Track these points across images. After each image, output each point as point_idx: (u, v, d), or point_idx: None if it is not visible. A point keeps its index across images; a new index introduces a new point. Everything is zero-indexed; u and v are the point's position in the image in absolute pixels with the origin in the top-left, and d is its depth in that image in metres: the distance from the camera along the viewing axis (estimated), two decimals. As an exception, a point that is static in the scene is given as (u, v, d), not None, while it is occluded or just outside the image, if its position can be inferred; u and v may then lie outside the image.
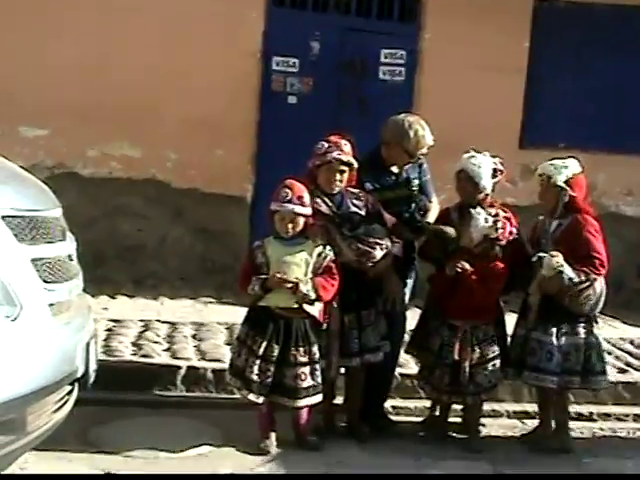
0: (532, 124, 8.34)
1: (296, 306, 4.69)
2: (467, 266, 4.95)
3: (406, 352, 5.44)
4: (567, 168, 5.08)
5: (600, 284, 5.03)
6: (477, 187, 5.07)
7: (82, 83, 7.60)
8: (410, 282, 5.31)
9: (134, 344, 6.04)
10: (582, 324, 5.04)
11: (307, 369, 4.70)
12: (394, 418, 5.46)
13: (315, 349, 4.74)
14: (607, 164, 7.98)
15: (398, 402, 5.60)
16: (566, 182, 5.05)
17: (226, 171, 7.88)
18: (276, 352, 4.66)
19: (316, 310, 4.71)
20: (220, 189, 7.92)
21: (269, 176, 8.03)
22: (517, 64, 8.19)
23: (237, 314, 6.95)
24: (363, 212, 4.89)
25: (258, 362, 4.65)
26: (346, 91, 8.14)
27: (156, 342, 6.12)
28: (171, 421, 5.18)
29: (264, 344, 4.67)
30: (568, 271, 4.88)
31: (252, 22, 7.90)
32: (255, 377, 4.65)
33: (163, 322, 6.67)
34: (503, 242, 5.02)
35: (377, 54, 8.15)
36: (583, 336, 5.03)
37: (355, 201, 4.91)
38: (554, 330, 5.00)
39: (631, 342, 7.09)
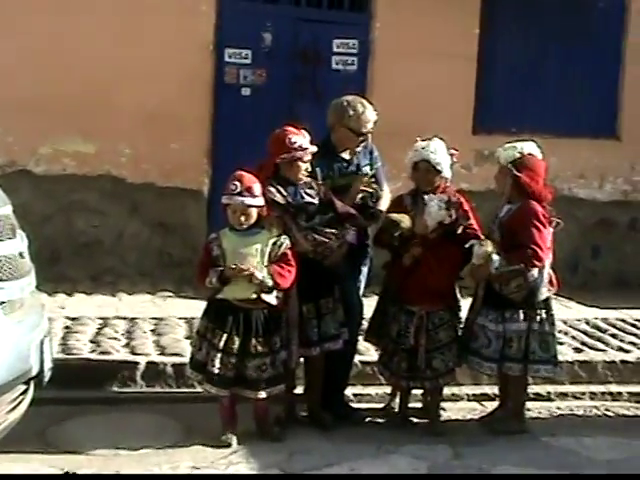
0: (484, 110, 8.41)
1: (254, 297, 4.69)
2: (418, 249, 4.97)
3: (365, 340, 5.47)
4: (515, 149, 5.09)
5: (535, 274, 5.01)
6: (438, 175, 5.12)
7: (32, 78, 7.50)
8: (365, 269, 5.34)
9: (92, 341, 5.99)
10: (524, 311, 5.04)
11: (268, 359, 4.71)
12: (355, 405, 5.49)
13: (275, 339, 4.75)
14: (559, 148, 8.06)
15: (359, 389, 5.63)
16: (513, 163, 5.06)
17: (182, 164, 7.84)
18: (237, 344, 4.66)
19: (274, 298, 4.73)
20: (176, 183, 7.88)
21: (225, 168, 7.96)
22: (468, 51, 8.26)
23: (196, 308, 6.93)
24: (316, 201, 4.90)
25: (219, 355, 4.65)
26: (300, 81, 8.15)
27: (115, 338, 6.08)
28: (131, 417, 5.15)
29: (224, 337, 4.67)
30: (496, 259, 4.91)
31: (204, 14, 7.85)
32: (217, 370, 4.65)
33: (121, 318, 6.63)
34: (457, 228, 5.07)
35: (329, 44, 8.16)
36: (525, 323, 5.04)
37: (308, 190, 4.93)
38: (495, 316, 5.05)
39: (587, 322, 7.20)
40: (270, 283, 4.67)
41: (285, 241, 4.76)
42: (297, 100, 8.09)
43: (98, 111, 7.63)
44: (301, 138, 4.86)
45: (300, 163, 4.87)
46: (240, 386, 4.71)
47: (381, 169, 5.36)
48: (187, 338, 6.18)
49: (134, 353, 5.77)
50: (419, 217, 5.02)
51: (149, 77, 7.67)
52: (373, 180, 5.18)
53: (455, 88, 8.15)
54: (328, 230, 4.87)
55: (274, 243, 4.74)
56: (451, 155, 5.18)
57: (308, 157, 4.88)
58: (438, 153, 5.11)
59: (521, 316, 5.04)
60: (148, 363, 5.62)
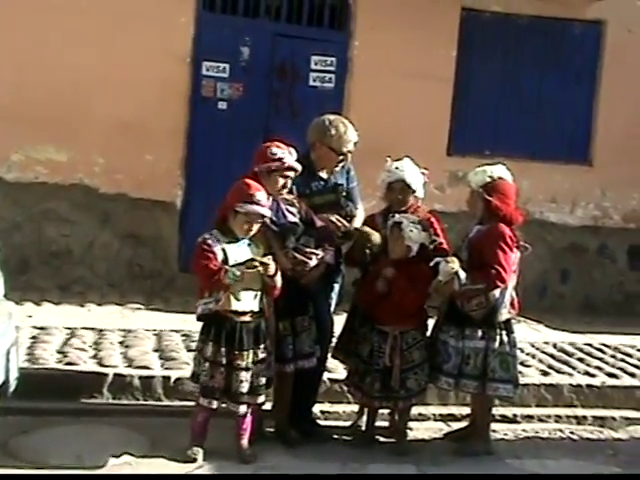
0: (459, 132, 8.50)
1: (258, 309, 4.69)
2: (391, 271, 4.99)
3: (333, 357, 5.47)
4: (485, 173, 5.14)
5: (496, 295, 5.04)
6: (413, 194, 5.18)
7: (5, 85, 7.47)
8: (337, 287, 5.35)
9: (59, 352, 5.93)
10: (483, 330, 5.08)
11: (249, 373, 4.68)
12: (322, 423, 5.48)
13: (258, 352, 4.73)
14: (531, 171, 8.17)
15: (326, 407, 5.62)
16: (485, 187, 5.11)
17: (155, 176, 7.82)
18: (224, 356, 4.64)
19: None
20: (149, 194, 7.85)
21: (199, 181, 8.05)
22: (445, 73, 8.34)
23: (166, 320, 6.95)
24: (297, 219, 4.90)
25: (207, 365, 4.65)
26: (276, 97, 8.17)
27: (82, 349, 6.02)
28: (96, 429, 5.10)
29: (213, 348, 4.65)
30: (462, 277, 4.95)
31: (182, 26, 7.87)
32: (207, 381, 4.64)
33: (89, 329, 6.57)
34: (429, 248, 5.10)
35: (307, 60, 8.20)
36: (483, 342, 5.07)
37: (290, 208, 4.93)
38: (456, 332, 5.09)
39: (554, 345, 7.25)
40: (279, 284, 4.68)
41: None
42: (273, 115, 8.13)
43: (72, 120, 7.61)
44: (284, 152, 4.84)
45: (278, 177, 4.84)
46: (225, 399, 4.68)
47: (356, 188, 5.39)
48: (155, 351, 6.15)
49: (101, 365, 5.72)
50: (396, 242, 5.04)
51: (125, 87, 7.65)
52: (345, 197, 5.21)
53: (431, 109, 8.22)
54: (309, 250, 4.87)
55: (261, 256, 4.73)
56: (422, 174, 5.23)
57: (289, 173, 4.86)
58: (412, 173, 5.16)
59: (479, 334, 5.08)
60: (115, 375, 5.57)
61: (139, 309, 7.39)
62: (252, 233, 4.70)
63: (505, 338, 5.13)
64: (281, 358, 4.89)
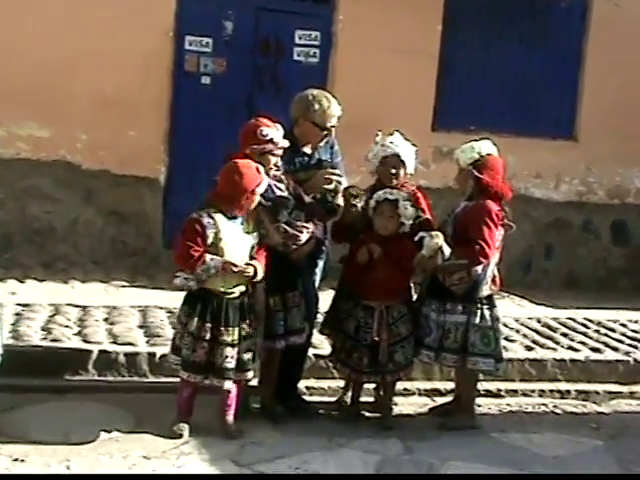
0: (444, 107, 8.46)
1: (244, 289, 4.69)
2: (378, 249, 4.99)
3: (320, 333, 5.48)
4: (473, 150, 5.13)
5: (478, 270, 5.05)
6: (405, 170, 5.17)
7: (-14, 61, 7.38)
8: (321, 263, 5.34)
9: (43, 328, 5.91)
10: (465, 304, 5.09)
11: (235, 349, 4.67)
12: (308, 398, 5.49)
13: (243, 328, 4.72)
14: (516, 147, 8.15)
15: (312, 382, 5.63)
16: (473, 164, 5.10)
17: (138, 152, 7.76)
18: (208, 331, 4.63)
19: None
20: (132, 171, 7.80)
21: (183, 157, 8.00)
22: (430, 47, 8.30)
23: (150, 297, 6.94)
24: (286, 194, 4.88)
25: (191, 340, 4.63)
26: (260, 72, 8.11)
27: (66, 326, 6.00)
28: (82, 406, 5.09)
29: (196, 323, 4.63)
30: (446, 252, 4.96)
31: (165, 0, 7.77)
32: (189, 355, 4.63)
33: (74, 306, 6.54)
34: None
35: (292, 35, 8.14)
36: (464, 316, 5.09)
37: (278, 184, 4.90)
38: (437, 306, 5.11)
39: (538, 320, 7.29)
40: (260, 278, 4.67)
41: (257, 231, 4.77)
42: (257, 91, 8.07)
43: (54, 95, 7.53)
44: (274, 131, 4.82)
45: (270, 156, 4.83)
46: (209, 374, 4.67)
47: (341, 163, 5.35)
48: (140, 327, 6.14)
49: (86, 341, 5.70)
50: (389, 219, 5.02)
51: (107, 62, 7.57)
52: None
53: (416, 84, 8.18)
54: (300, 224, 4.86)
55: (252, 233, 4.73)
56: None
57: (279, 151, 4.85)
58: (406, 148, 5.15)
59: (460, 309, 5.09)
60: (100, 352, 5.56)
61: (123, 286, 7.36)
62: (251, 207, 4.68)
63: (487, 312, 5.15)
64: (271, 334, 4.89)
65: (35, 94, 7.47)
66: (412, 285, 5.26)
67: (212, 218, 4.63)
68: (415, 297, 5.28)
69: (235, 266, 4.61)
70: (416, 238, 4.99)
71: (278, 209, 4.83)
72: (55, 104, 7.55)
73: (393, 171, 5.16)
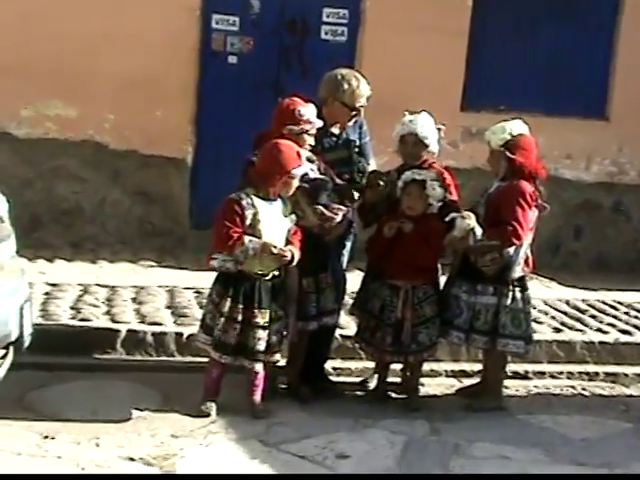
0: (473, 86, 8.36)
1: (277, 272, 4.69)
2: (410, 224, 4.96)
3: (350, 313, 5.47)
4: (504, 130, 5.07)
5: (511, 252, 5.00)
6: (425, 149, 5.12)
7: (15, 41, 7.40)
8: (349, 244, 5.32)
9: (72, 308, 5.95)
10: (495, 286, 5.05)
11: (266, 332, 4.68)
12: (334, 379, 5.49)
13: (275, 311, 4.72)
14: (546, 127, 8.02)
15: (338, 363, 5.63)
16: (505, 145, 5.05)
17: (165, 132, 7.76)
18: (240, 312, 4.63)
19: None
20: (159, 151, 7.81)
21: (210, 137, 7.99)
22: (459, 26, 8.19)
23: (178, 278, 6.97)
24: (317, 175, 4.86)
25: (223, 321, 4.64)
26: (287, 51, 8.07)
27: (95, 306, 6.04)
28: (110, 385, 5.13)
29: (229, 303, 4.64)
30: (478, 233, 4.92)
31: (191, -22, 7.75)
32: (220, 335, 4.64)
33: (102, 286, 6.59)
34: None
35: (319, 13, 8.07)
36: (495, 297, 5.05)
37: (311, 165, 4.88)
38: (467, 288, 5.07)
39: (567, 302, 7.23)
40: (296, 260, 4.66)
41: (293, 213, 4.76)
42: (284, 70, 8.03)
43: (82, 75, 7.55)
44: (309, 110, 4.80)
45: (306, 136, 4.81)
46: (239, 355, 4.68)
47: (369, 143, 5.33)
48: (168, 307, 6.17)
49: (114, 321, 5.74)
50: (417, 200, 4.99)
51: (134, 41, 7.56)
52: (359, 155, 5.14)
53: (445, 63, 8.08)
54: (335, 206, 4.84)
55: (289, 215, 4.73)
56: (438, 130, 5.17)
57: (314, 131, 4.83)
58: (426, 126, 5.10)
59: (491, 290, 5.05)
60: (128, 331, 5.59)
61: (151, 266, 7.39)
62: (290, 192, 4.67)
63: (518, 295, 5.11)
64: (304, 316, 4.89)
65: (62, 74, 7.49)
66: (440, 266, 5.22)
67: (250, 199, 4.62)
68: (444, 278, 5.24)
69: (274, 248, 4.59)
70: (447, 218, 4.95)
71: (319, 191, 4.82)
72: (82, 84, 7.56)
73: (412, 150, 5.11)
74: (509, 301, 5.07)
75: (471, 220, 4.90)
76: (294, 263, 4.68)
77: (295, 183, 4.67)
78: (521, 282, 5.14)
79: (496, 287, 5.06)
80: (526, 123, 5.18)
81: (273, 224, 4.66)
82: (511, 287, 5.08)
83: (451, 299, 5.12)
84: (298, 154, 4.62)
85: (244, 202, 4.60)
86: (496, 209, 5.01)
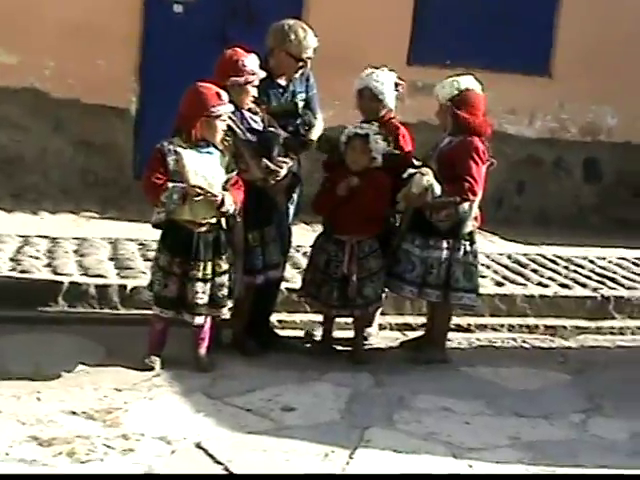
0: (420, 41, 8.33)
1: (215, 220, 4.63)
2: (355, 179, 4.96)
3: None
4: (452, 86, 5.09)
5: (465, 207, 5.06)
6: (381, 104, 5.13)
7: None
8: (295, 197, 5.30)
9: (12, 259, 5.85)
10: (448, 240, 5.11)
11: (209, 285, 4.65)
12: (280, 332, 5.51)
13: (218, 264, 4.69)
14: (492, 82, 7.87)
15: (283, 316, 5.65)
16: (452, 100, 5.07)
17: (108, 81, 7.59)
18: (178, 266, 4.60)
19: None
20: (102, 100, 7.64)
21: (154, 87, 7.84)
22: (407, -21, 8.14)
23: (121, 229, 6.88)
24: (260, 127, 4.81)
25: (161, 275, 4.62)
26: (234, 1, 7.92)
27: (36, 257, 5.94)
28: (52, 338, 5.07)
29: (167, 258, 4.61)
30: (436, 189, 4.95)
31: None
32: (160, 290, 4.62)
33: (43, 237, 6.47)
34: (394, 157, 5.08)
35: (266, -38, 7.92)
36: (447, 252, 5.11)
37: (254, 116, 4.85)
38: (420, 242, 5.12)
39: (508, 257, 7.34)
40: (232, 210, 4.60)
41: (234, 166, 4.69)
42: (230, 20, 7.89)
43: (22, 21, 7.34)
44: (252, 61, 4.76)
45: (250, 88, 4.76)
46: (181, 309, 4.66)
47: (315, 96, 5.28)
48: (111, 259, 6.09)
49: (56, 273, 5.66)
50: (361, 154, 4.99)
51: (77, -13, 7.35)
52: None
53: (391, 18, 8.03)
54: (280, 159, 4.81)
55: (227, 167, 4.66)
56: (396, 85, 5.19)
57: (257, 82, 4.78)
58: (381, 82, 5.11)
59: (444, 244, 5.10)
60: (71, 283, 5.52)
61: (94, 217, 7.29)
62: (218, 138, 4.60)
63: (468, 248, 5.18)
64: (251, 269, 4.88)
65: (2, 20, 7.25)
66: (390, 217, 5.23)
67: (173, 145, 4.56)
68: (395, 229, 5.25)
69: (200, 189, 4.51)
70: (405, 175, 4.97)
71: (271, 143, 4.77)
72: (23, 30, 7.34)
73: (367, 105, 5.11)
74: (461, 255, 5.13)
75: (429, 177, 4.93)
76: (230, 210, 4.61)
77: (219, 125, 4.58)
78: (470, 236, 5.21)
79: (449, 241, 5.10)
80: (478, 80, 5.19)
81: (204, 172, 4.57)
82: (462, 241, 5.14)
83: (402, 253, 5.15)
84: (218, 94, 4.56)
85: (165, 149, 4.56)
86: (450, 165, 5.04)
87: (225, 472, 3.75)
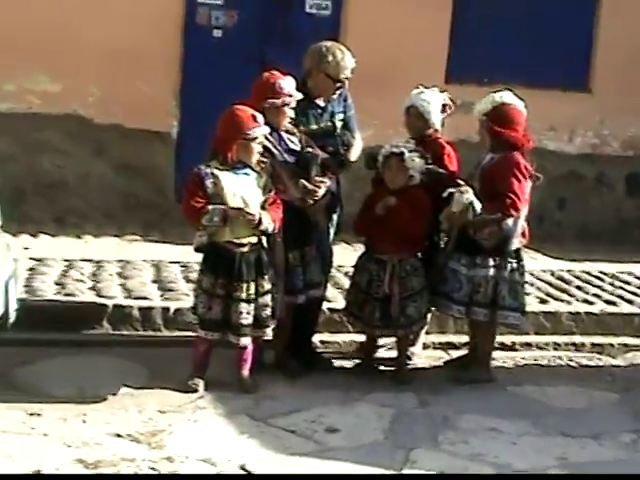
0: (457, 59, 8.33)
1: (255, 240, 4.66)
2: (392, 199, 4.96)
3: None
4: (487, 100, 5.10)
5: (509, 224, 5.03)
6: (427, 123, 5.17)
7: (-3, 14, 7.29)
8: (335, 217, 5.31)
9: (57, 283, 5.92)
10: (495, 258, 5.07)
11: (252, 305, 4.67)
12: (322, 352, 5.49)
13: (261, 284, 4.71)
14: (530, 99, 7.88)
15: (326, 336, 5.63)
16: (488, 115, 5.06)
17: (150, 106, 7.69)
18: (222, 288, 4.62)
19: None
20: (143, 124, 7.73)
21: (194, 111, 7.92)
22: (443, -2, 8.14)
23: (163, 251, 6.94)
24: (299, 148, 4.86)
25: (205, 297, 4.65)
26: (271, 25, 8.00)
27: (80, 281, 6.01)
28: (97, 360, 5.11)
29: (211, 279, 4.63)
30: (477, 207, 4.93)
31: (175, -49, 7.65)
32: (203, 313, 4.65)
33: (87, 260, 6.55)
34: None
35: (303, -13, 8.00)
36: (494, 270, 5.07)
37: (291, 137, 4.88)
38: (466, 261, 5.08)
39: (552, 273, 7.26)
40: (271, 228, 4.64)
41: (272, 186, 4.72)
42: (268, 44, 7.96)
43: (65, 49, 7.46)
44: (289, 83, 4.80)
45: (287, 109, 4.81)
46: (226, 331, 4.68)
47: (353, 116, 5.31)
48: (154, 282, 6.14)
49: (100, 296, 5.72)
50: (398, 173, 4.99)
51: (118, 14, 7.48)
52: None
53: (429, 36, 8.03)
54: (318, 178, 4.83)
55: (264, 187, 4.70)
56: (444, 106, 5.21)
57: (294, 104, 4.82)
58: (429, 101, 5.13)
59: (491, 262, 5.07)
60: (114, 306, 5.57)
61: (136, 240, 7.36)
62: (254, 160, 4.63)
63: (515, 266, 5.14)
64: (292, 289, 4.90)
65: (46, 48, 7.39)
66: (431, 237, 5.22)
67: (210, 168, 4.61)
68: (441, 250, 5.23)
69: (239, 210, 4.55)
70: (445, 194, 4.96)
71: (310, 164, 4.80)
72: (66, 57, 7.47)
73: (413, 123, 5.17)
74: (507, 273, 5.10)
75: (469, 194, 4.91)
76: (269, 229, 4.64)
77: (255, 147, 4.62)
78: (517, 254, 5.18)
79: (495, 259, 5.07)
80: (519, 97, 5.16)
81: (241, 193, 4.61)
82: (509, 259, 5.11)
83: (448, 272, 5.12)
84: (253, 117, 4.59)
85: (203, 173, 4.60)
86: (491, 181, 5.02)
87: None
